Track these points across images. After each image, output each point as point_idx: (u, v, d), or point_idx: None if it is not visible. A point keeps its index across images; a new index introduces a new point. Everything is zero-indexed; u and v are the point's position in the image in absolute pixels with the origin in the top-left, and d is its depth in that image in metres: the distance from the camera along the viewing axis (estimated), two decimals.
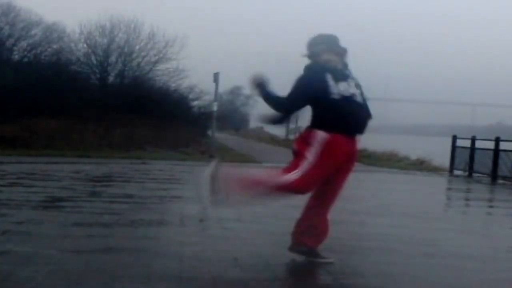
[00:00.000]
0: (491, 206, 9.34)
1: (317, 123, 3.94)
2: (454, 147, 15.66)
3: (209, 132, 18.52)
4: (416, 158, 19.50)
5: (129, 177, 10.34)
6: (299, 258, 4.12)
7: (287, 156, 4.38)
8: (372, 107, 4.20)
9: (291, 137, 31.35)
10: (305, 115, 4.40)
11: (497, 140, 13.77)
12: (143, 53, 26.28)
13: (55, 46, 23.72)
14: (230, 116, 53.36)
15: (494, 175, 13.40)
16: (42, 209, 6.25)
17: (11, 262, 3.75)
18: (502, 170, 13.27)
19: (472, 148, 14.70)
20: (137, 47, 26.14)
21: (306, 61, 4.13)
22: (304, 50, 4.13)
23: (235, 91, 65.03)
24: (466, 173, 14.69)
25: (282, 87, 4.16)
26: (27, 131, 17.71)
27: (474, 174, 14.41)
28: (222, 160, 4.05)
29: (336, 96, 3.88)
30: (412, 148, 22.91)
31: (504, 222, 7.22)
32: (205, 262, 3.96)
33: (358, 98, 3.98)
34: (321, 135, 3.87)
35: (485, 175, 13.92)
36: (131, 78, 26.03)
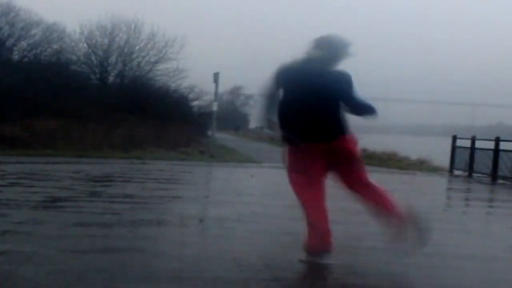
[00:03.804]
0: (491, 206, 9.33)
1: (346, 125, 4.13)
2: (454, 147, 15.65)
3: (209, 132, 18.51)
4: (416, 158, 19.48)
5: (129, 177, 10.34)
6: (298, 258, 4.12)
7: None
8: None
9: None
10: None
11: (497, 140, 13.76)
12: (143, 53, 26.33)
13: (55, 46, 23.76)
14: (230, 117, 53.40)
15: (494, 175, 13.39)
16: (42, 209, 6.24)
17: (11, 262, 3.75)
18: (502, 170, 13.27)
19: (472, 148, 14.69)
20: (137, 47, 26.20)
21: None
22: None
23: (235, 91, 65.11)
24: (466, 173, 14.69)
25: None
26: (27, 131, 17.70)
27: (474, 174, 14.40)
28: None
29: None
30: (412, 148, 22.88)
31: (504, 222, 7.22)
32: (205, 262, 3.96)
33: None
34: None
35: (485, 175, 13.91)
36: (131, 78, 26.04)
